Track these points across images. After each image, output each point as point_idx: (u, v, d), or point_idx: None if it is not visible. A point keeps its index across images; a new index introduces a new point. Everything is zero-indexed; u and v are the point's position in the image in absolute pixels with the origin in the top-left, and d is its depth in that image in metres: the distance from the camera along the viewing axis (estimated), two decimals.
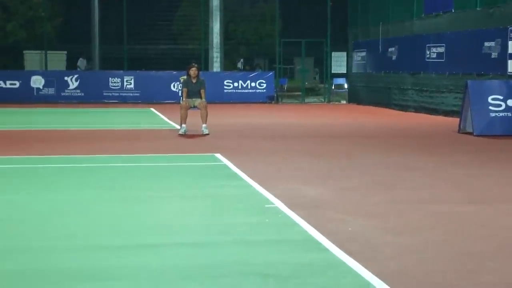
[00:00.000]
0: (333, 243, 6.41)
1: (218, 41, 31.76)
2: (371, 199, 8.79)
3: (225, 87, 30.39)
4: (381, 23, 28.08)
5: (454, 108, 21.47)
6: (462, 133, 16.86)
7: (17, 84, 29.51)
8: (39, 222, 7.38)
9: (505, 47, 19.75)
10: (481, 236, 6.91)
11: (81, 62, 34.66)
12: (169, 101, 28.62)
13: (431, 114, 23.36)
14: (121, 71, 30.85)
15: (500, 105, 16.60)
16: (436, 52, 23.58)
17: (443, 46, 23.18)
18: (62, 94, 29.65)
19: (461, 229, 7.19)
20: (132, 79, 30.12)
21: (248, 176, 10.18)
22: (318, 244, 6.47)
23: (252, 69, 37.38)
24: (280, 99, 32.11)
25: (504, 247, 6.47)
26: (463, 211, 8.06)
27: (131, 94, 30.00)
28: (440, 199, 8.86)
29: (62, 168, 11.46)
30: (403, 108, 25.81)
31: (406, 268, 5.72)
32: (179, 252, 6.19)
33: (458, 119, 17.56)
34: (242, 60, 42.44)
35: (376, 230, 7.08)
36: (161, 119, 21.63)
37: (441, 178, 10.52)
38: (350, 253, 6.04)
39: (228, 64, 39.17)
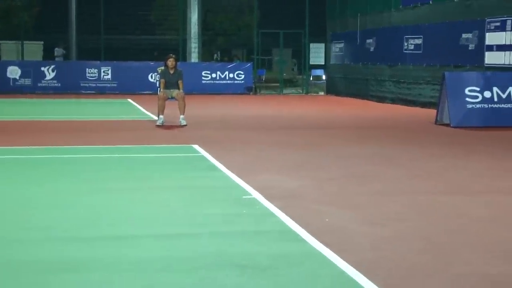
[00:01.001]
0: (310, 234, 6.42)
1: (196, 31, 31.65)
2: (348, 190, 8.82)
3: (203, 78, 30.33)
4: (359, 14, 28.13)
5: (432, 100, 21.57)
6: (439, 124, 16.94)
7: None
8: (14, 214, 7.32)
9: (482, 38, 19.87)
10: (456, 227, 6.95)
11: (58, 52, 34.41)
12: (147, 92, 28.52)
13: (408, 106, 23.46)
14: (98, 62, 30.68)
15: (477, 97, 16.70)
16: (414, 44, 23.67)
17: (420, 37, 23.27)
18: (39, 84, 29.45)
19: (437, 220, 7.23)
20: (109, 70, 29.97)
21: (226, 167, 10.17)
22: (296, 235, 6.48)
23: (230, 60, 37.33)
24: (258, 90, 32.10)
25: (479, 238, 6.52)
26: (439, 202, 8.10)
27: (108, 85, 29.85)
28: (416, 190, 8.90)
29: (38, 159, 11.38)
30: (381, 99, 25.89)
31: (382, 259, 5.74)
32: (156, 244, 6.18)
33: (435, 110, 17.64)
34: (218, 52, 42.35)
35: (353, 221, 7.10)
36: (139, 110, 21.55)
37: (418, 169, 10.56)
38: (327, 244, 6.06)
39: (206, 55, 39.08)
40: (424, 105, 22.55)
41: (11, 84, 29.23)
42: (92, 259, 5.67)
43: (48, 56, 35.26)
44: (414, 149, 12.91)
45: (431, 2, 22.96)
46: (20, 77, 29.38)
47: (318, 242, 6.14)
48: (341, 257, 5.67)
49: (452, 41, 21.20)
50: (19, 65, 29.80)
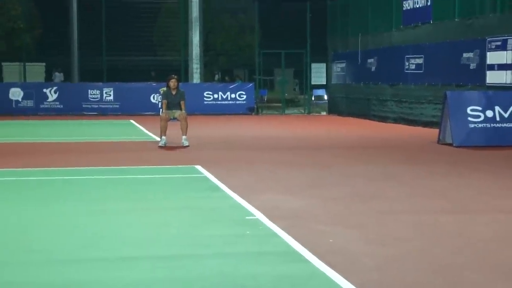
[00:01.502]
0: (314, 254, 6.39)
1: (198, 52, 31.72)
2: (352, 210, 8.79)
3: (205, 98, 30.36)
4: (360, 34, 28.19)
5: (433, 119, 21.55)
6: (442, 144, 16.92)
7: None
8: (15, 235, 7.30)
9: (484, 57, 19.88)
10: (460, 246, 6.92)
11: (57, 77, 34.50)
12: (149, 113, 28.53)
13: (410, 125, 23.44)
14: (100, 83, 30.74)
15: (479, 116, 16.67)
16: (415, 63, 23.69)
17: (421, 57, 23.30)
18: (41, 106, 29.49)
19: (441, 239, 7.19)
20: (112, 91, 30.01)
21: (229, 187, 10.15)
22: (299, 255, 6.44)
23: (232, 81, 37.39)
24: (260, 111, 32.12)
25: (483, 258, 6.48)
26: (443, 221, 8.07)
27: (111, 106, 29.88)
28: (420, 209, 8.87)
29: (40, 180, 11.36)
30: (383, 119, 25.88)
31: (387, 279, 5.71)
32: (158, 265, 6.14)
33: (438, 130, 17.61)
34: (219, 72, 42.43)
35: (357, 241, 7.06)
36: (141, 131, 21.56)
37: (421, 188, 10.54)
38: (331, 265, 6.02)
39: (208, 75, 39.15)
40: (426, 124, 22.53)
41: (14, 106, 29.27)
42: (93, 281, 5.64)
43: (50, 78, 35.37)
44: (417, 168, 12.88)
45: (431, 22, 23.01)
46: (22, 98, 29.43)
47: (322, 263, 6.11)
48: (345, 278, 5.63)
49: (453, 60, 21.21)
50: (22, 87, 29.86)
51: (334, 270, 5.87)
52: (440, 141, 17.09)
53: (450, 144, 16.47)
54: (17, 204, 9.07)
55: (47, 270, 5.98)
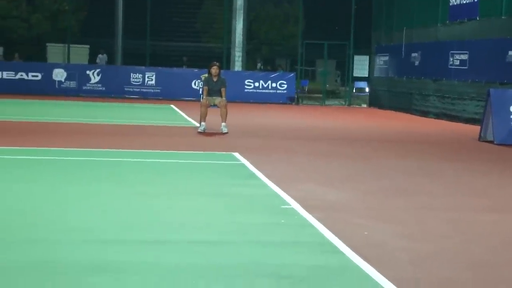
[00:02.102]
0: (349, 246, 6.36)
1: (241, 40, 31.74)
2: (389, 204, 8.73)
3: (246, 86, 30.38)
4: (405, 28, 27.96)
5: (475, 116, 21.33)
6: (483, 141, 16.73)
7: (39, 76, 29.67)
8: (55, 214, 7.38)
9: None
10: (498, 245, 6.83)
11: (100, 59, 34.74)
12: (190, 98, 28.65)
13: (452, 121, 23.22)
14: (143, 67, 30.93)
15: None
16: (459, 59, 23.43)
17: (466, 53, 23.04)
18: (84, 87, 29.78)
19: (479, 237, 7.11)
20: (154, 76, 30.18)
21: (266, 176, 10.15)
22: (334, 247, 6.42)
23: (274, 70, 37.33)
24: (300, 101, 32.05)
25: None
26: (482, 219, 7.98)
27: (152, 90, 30.06)
28: (459, 206, 8.78)
29: (80, 161, 11.48)
30: (424, 114, 25.67)
31: (421, 275, 5.66)
32: (194, 250, 6.17)
33: (479, 127, 17.42)
34: (261, 61, 42.38)
35: (392, 235, 7.02)
36: (181, 116, 21.65)
37: (460, 186, 10.43)
38: (365, 258, 5.99)
39: (250, 63, 39.14)
40: (467, 121, 22.30)
41: (57, 86, 29.59)
42: (129, 263, 5.68)
43: (94, 60, 35.64)
44: (457, 165, 12.76)
45: (478, 18, 22.72)
46: (65, 79, 29.73)
47: (357, 255, 6.08)
48: (379, 272, 5.60)
49: (498, 58, 20.94)
50: (65, 68, 30.16)
51: (369, 263, 5.84)
52: (481, 138, 16.90)
53: (491, 142, 16.29)
54: (57, 183, 9.17)
55: (84, 250, 6.04)
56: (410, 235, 7.04)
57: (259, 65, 40.88)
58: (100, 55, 34.63)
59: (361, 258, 5.99)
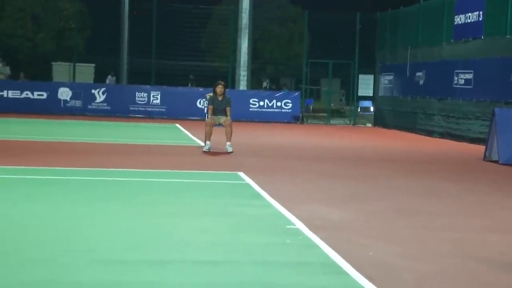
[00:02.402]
0: (353, 267, 6.36)
1: (246, 59, 31.84)
2: (394, 224, 8.72)
3: (250, 105, 30.44)
4: (409, 47, 28.03)
5: (480, 136, 21.32)
6: (488, 161, 16.71)
7: (45, 95, 29.77)
8: (60, 234, 7.39)
9: None
10: (502, 265, 6.82)
11: (110, 80, 34.88)
12: (195, 117, 28.71)
13: (456, 141, 23.21)
14: (148, 86, 31.02)
15: None
16: (464, 79, 23.47)
17: (471, 72, 23.07)
18: (89, 107, 29.86)
19: (483, 258, 7.10)
20: (159, 95, 30.27)
21: (270, 196, 10.15)
22: (338, 267, 6.42)
23: (279, 89, 37.41)
24: (305, 120, 32.09)
25: None
26: (486, 240, 7.97)
27: (157, 109, 30.14)
28: (463, 226, 8.77)
29: (85, 181, 11.50)
30: (429, 133, 25.68)
31: None
32: (199, 270, 6.17)
33: (484, 146, 17.42)
34: (267, 80, 42.49)
35: (397, 255, 7.01)
36: (186, 135, 21.68)
37: (465, 206, 10.42)
38: (370, 278, 5.99)
39: (255, 82, 39.24)
40: (472, 140, 22.29)
41: (62, 105, 29.68)
42: (135, 283, 5.68)
43: (99, 79, 35.76)
44: (461, 185, 12.75)
45: (483, 37, 22.77)
46: (71, 98, 29.82)
47: (361, 276, 6.07)
48: None
49: (503, 77, 20.96)
50: (70, 87, 30.25)
51: (373, 283, 5.84)
52: (486, 158, 16.89)
53: (496, 162, 16.27)
54: (62, 203, 9.19)
55: (90, 270, 6.05)
56: (414, 255, 7.04)
57: (265, 83, 41.01)
58: (109, 77, 34.74)
59: (366, 278, 5.99)
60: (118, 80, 34.47)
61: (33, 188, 10.49)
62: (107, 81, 34.80)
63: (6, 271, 5.95)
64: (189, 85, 35.54)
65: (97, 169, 12.78)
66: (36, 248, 6.78)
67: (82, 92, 29.96)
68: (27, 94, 29.68)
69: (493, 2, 22.42)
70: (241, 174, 12.50)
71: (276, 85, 41.55)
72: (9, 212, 8.49)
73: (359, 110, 34.77)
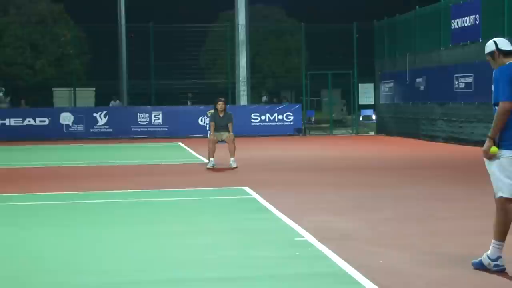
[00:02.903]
0: (365, 276, 6.33)
1: (245, 75, 31.89)
2: (403, 231, 8.69)
3: (252, 120, 30.46)
4: (408, 53, 28.05)
5: (484, 138, 21.17)
6: None
7: (47, 121, 29.81)
8: (70, 258, 7.37)
9: None
10: None
11: (113, 105, 34.89)
12: (197, 135, 28.72)
13: (460, 144, 23.19)
14: (149, 107, 31.06)
15: None
16: (465, 82, 23.47)
17: (471, 76, 23.07)
18: (91, 130, 29.89)
19: None
20: (160, 114, 30.30)
21: (277, 209, 10.14)
22: (350, 277, 6.39)
23: (279, 102, 37.43)
24: (308, 131, 32.09)
25: None
26: None
27: (159, 129, 30.16)
28: (472, 230, 8.74)
29: (91, 204, 11.49)
30: (432, 138, 25.66)
31: None
32: (209, 287, 6.14)
33: None
34: (267, 94, 42.51)
35: (407, 262, 6.98)
36: (190, 153, 21.69)
37: (473, 210, 10.39)
38: (381, 286, 5.96)
39: (255, 97, 39.29)
40: (476, 143, 22.25)
41: (64, 130, 29.71)
42: None
43: (100, 102, 35.80)
44: (468, 188, 12.72)
45: (481, 40, 22.79)
46: (73, 123, 29.85)
47: (373, 285, 6.05)
48: None
49: None
50: (72, 112, 30.30)
51: None
52: None
53: None
54: (71, 227, 9.17)
55: None
56: (425, 261, 7.00)
57: (264, 98, 41.04)
58: (113, 102, 34.80)
59: (377, 287, 5.96)
60: (120, 105, 34.49)
61: (39, 213, 10.49)
62: (110, 105, 34.85)
63: None
64: (188, 103, 35.55)
65: (102, 191, 12.77)
66: (47, 272, 6.77)
67: (83, 116, 30.01)
68: (29, 121, 29.73)
69: (488, 5, 22.46)
70: (247, 189, 12.48)
71: (277, 99, 41.56)
72: (18, 238, 8.47)
73: (361, 119, 34.78)
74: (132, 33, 35.04)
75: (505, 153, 6.58)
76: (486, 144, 6.70)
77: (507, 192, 6.53)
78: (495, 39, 6.74)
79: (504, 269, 6.52)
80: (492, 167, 6.76)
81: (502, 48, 6.60)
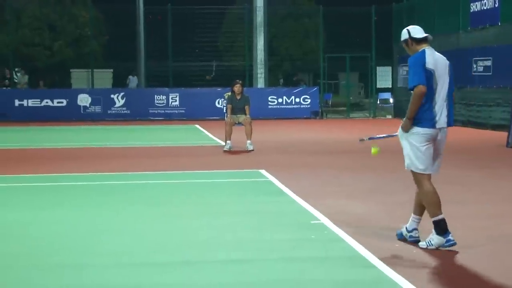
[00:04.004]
0: (380, 259, 6.33)
1: (262, 57, 31.82)
2: None
3: (269, 103, 30.40)
4: None
5: (502, 122, 21.17)
6: (511, 147, 16.59)
7: (64, 102, 29.90)
8: (86, 239, 7.43)
9: None
10: None
11: (131, 81, 34.93)
12: (214, 117, 28.73)
13: (478, 128, 23.07)
14: (166, 89, 31.07)
15: None
16: (483, 66, 23.31)
17: (489, 59, 22.91)
18: (109, 112, 29.95)
19: (510, 245, 7.04)
20: (177, 96, 30.31)
21: (293, 192, 10.14)
22: (365, 260, 6.40)
23: (296, 85, 37.33)
24: (325, 115, 32.01)
25: None
26: (511, 227, 7.91)
27: (176, 111, 30.18)
28: (488, 214, 8.71)
29: (108, 185, 11.54)
30: None
31: (454, 285, 5.62)
32: (224, 269, 6.18)
33: (506, 133, 17.29)
34: (282, 78, 42.41)
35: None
36: (206, 135, 21.71)
37: (489, 193, 10.35)
38: (398, 270, 5.96)
39: (272, 80, 39.20)
40: (494, 127, 22.15)
41: (82, 111, 29.79)
42: (162, 284, 5.70)
43: (118, 84, 35.86)
44: (485, 172, 12.67)
45: (500, 24, 22.61)
46: (90, 104, 29.92)
47: (389, 268, 6.05)
48: (412, 283, 5.57)
49: None
50: (89, 93, 30.35)
51: (401, 275, 5.81)
52: (509, 144, 16.76)
53: None
54: (86, 208, 9.23)
55: (117, 273, 6.08)
56: None
57: (281, 81, 40.97)
58: (130, 77, 34.80)
59: (394, 271, 5.97)
60: (138, 81, 34.52)
61: (57, 194, 10.55)
62: (128, 82, 34.87)
63: (35, 276, 6.00)
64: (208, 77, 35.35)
65: (119, 173, 12.83)
66: (63, 252, 6.82)
67: (101, 97, 30.06)
68: (47, 102, 29.83)
69: None
70: (263, 171, 12.49)
71: (295, 80, 41.36)
72: (35, 218, 8.54)
73: (378, 102, 34.61)
74: (150, 15, 35.02)
75: (417, 129, 7.21)
76: (405, 122, 7.43)
77: (418, 167, 7.24)
78: (409, 27, 7.30)
79: (419, 240, 6.95)
80: (403, 141, 7.48)
81: (415, 36, 7.17)
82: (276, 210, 8.91)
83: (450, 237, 6.79)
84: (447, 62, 7.20)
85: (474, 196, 10.10)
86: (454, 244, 6.75)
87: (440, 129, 7.18)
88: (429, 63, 6.98)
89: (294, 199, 9.64)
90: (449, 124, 7.21)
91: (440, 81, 7.01)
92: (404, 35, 7.26)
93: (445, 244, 6.76)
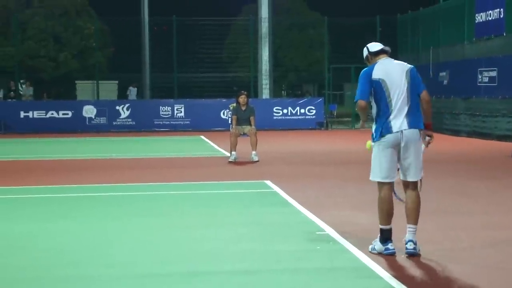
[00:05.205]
0: (386, 270, 6.31)
1: (267, 68, 31.86)
2: (425, 225, 8.63)
3: (274, 113, 30.42)
4: (431, 47, 27.89)
5: (507, 133, 21.14)
6: None
7: (70, 114, 29.95)
8: (92, 250, 7.42)
9: None
10: None
11: (131, 91, 35.02)
12: (219, 128, 28.74)
13: (484, 139, 23.03)
14: (171, 100, 31.12)
15: None
16: (488, 76, 23.29)
17: (495, 70, 22.89)
18: (114, 123, 29.98)
19: None
20: (183, 107, 30.34)
21: (299, 202, 10.13)
22: (371, 271, 6.38)
23: (301, 96, 37.33)
24: (330, 125, 32.01)
25: None
26: None
27: (182, 122, 30.20)
28: (495, 224, 8.68)
29: (114, 196, 11.54)
30: (455, 133, 25.49)
31: None
32: (230, 280, 6.16)
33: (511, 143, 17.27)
34: (285, 88, 42.45)
35: (430, 256, 6.95)
36: (211, 146, 21.71)
37: (495, 203, 10.32)
38: (403, 281, 5.94)
39: (278, 91, 39.23)
40: (500, 138, 22.11)
41: (87, 123, 29.83)
42: None
43: (123, 95, 35.93)
44: (491, 183, 12.63)
45: (505, 34, 22.61)
46: (95, 116, 29.96)
47: (394, 279, 6.03)
48: None
49: None
50: (95, 105, 30.41)
51: (406, 286, 5.78)
52: None
53: None
54: (92, 220, 9.23)
55: (122, 285, 6.07)
56: (448, 256, 6.97)
57: (284, 92, 41.02)
58: (131, 87, 34.87)
59: (400, 282, 5.94)
60: (141, 95, 34.60)
61: (63, 206, 10.55)
62: (129, 92, 34.94)
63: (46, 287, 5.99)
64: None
65: (125, 184, 12.83)
66: (70, 264, 6.81)
67: (106, 109, 30.10)
68: (52, 114, 29.88)
69: None
70: (268, 182, 12.48)
71: (300, 92, 41.41)
72: (40, 230, 8.54)
73: None
74: (155, 26, 35.12)
75: (378, 139, 7.29)
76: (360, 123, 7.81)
77: (377, 176, 7.36)
78: (368, 44, 7.50)
79: (394, 252, 6.97)
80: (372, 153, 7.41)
81: (372, 50, 7.38)
82: (282, 221, 8.90)
83: (389, 246, 7.01)
84: (407, 67, 7.33)
85: (481, 207, 10.06)
86: (393, 253, 6.93)
87: (400, 132, 7.21)
88: (376, 74, 7.18)
89: (300, 210, 9.62)
90: (411, 126, 7.29)
91: (393, 87, 7.18)
92: (364, 52, 7.51)
93: (384, 252, 6.97)
